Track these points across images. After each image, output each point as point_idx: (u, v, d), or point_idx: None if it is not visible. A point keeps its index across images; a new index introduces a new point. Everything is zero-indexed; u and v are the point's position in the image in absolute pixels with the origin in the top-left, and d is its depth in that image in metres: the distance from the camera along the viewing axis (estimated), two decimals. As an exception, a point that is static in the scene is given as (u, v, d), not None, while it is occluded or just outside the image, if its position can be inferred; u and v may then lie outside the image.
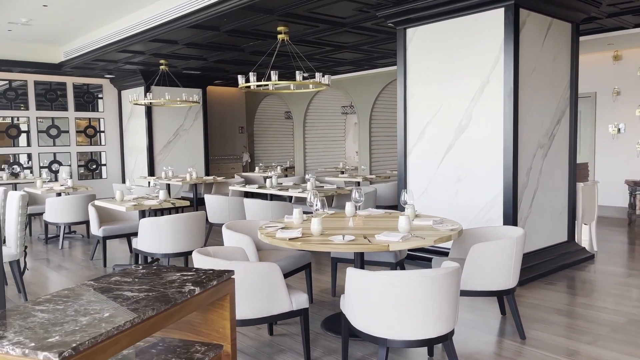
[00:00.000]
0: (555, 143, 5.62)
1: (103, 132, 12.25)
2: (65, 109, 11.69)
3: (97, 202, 5.91)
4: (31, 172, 11.09)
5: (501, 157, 5.11)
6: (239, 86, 6.67)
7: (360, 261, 3.74)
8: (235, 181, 9.49)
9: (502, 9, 4.99)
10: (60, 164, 11.67)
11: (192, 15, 6.27)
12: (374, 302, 2.74)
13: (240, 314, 3.05)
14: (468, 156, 5.39)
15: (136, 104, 9.34)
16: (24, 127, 11.21)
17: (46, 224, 7.54)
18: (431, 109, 5.71)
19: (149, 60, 9.41)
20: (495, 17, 5.06)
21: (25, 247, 4.83)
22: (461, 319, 4.04)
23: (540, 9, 5.19)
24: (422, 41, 5.74)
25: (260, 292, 3.05)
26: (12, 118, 11.07)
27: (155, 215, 6.44)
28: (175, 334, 2.05)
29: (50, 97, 11.50)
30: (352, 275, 2.83)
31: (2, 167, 10.87)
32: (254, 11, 5.91)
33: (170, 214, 5.81)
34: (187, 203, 5.77)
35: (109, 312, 1.50)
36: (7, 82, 10.93)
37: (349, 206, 4.20)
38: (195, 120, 11.98)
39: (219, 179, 9.35)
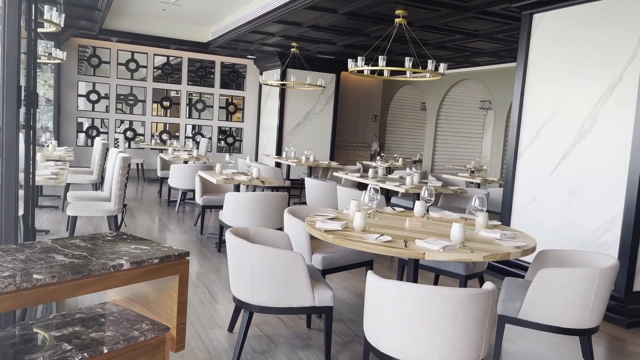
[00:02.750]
0: None
1: (242, 109, 13.01)
2: (212, 85, 12.64)
3: (200, 173, 6.25)
4: (176, 140, 12.23)
5: (626, 171, 4.24)
6: (349, 70, 6.50)
7: (415, 268, 3.36)
8: (351, 168, 9.38)
9: (649, -9, 4.08)
10: (202, 135, 12.69)
11: (306, -5, 6.24)
12: (384, 314, 2.42)
13: (257, 300, 2.94)
14: (587, 166, 4.57)
15: (264, 84, 9.70)
16: (176, 100, 12.40)
17: (169, 188, 8.24)
18: (550, 108, 4.95)
19: (283, 42, 9.68)
20: (638, 2, 4.16)
21: (125, 205, 5.28)
22: (532, 354, 3.46)
23: None
24: (548, 29, 4.99)
25: (278, 281, 2.90)
26: (167, 90, 12.29)
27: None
28: (135, 307, 2.00)
29: (200, 74, 12.51)
30: (369, 281, 2.54)
31: (153, 134, 12.19)
32: (363, -8, 5.68)
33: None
34: (277, 182, 5.81)
35: (9, 272, 1.48)
36: (166, 57, 12.14)
37: (418, 205, 3.82)
38: (326, 105, 12.09)
39: (334, 164, 9.33)
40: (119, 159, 5.02)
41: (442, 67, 6.29)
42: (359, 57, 6.26)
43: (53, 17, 4.76)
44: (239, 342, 2.96)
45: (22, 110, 3.08)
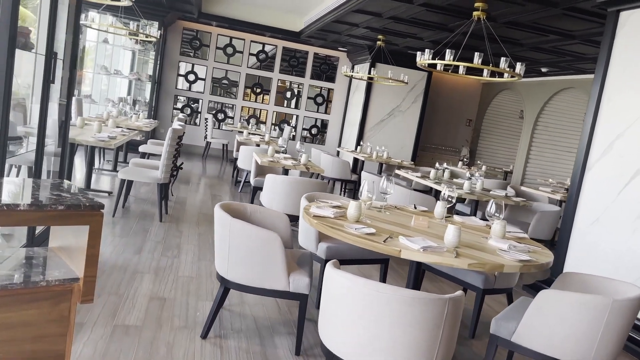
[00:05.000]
0: None
1: (330, 102, 13.02)
2: (302, 75, 12.80)
3: (254, 154, 6.32)
4: (260, 127, 12.56)
5: None
6: (417, 63, 6.19)
7: (416, 269, 3.10)
8: (425, 170, 8.99)
9: None
10: (288, 123, 12.90)
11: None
12: (330, 308, 2.24)
13: (232, 276, 2.88)
14: (660, 187, 3.93)
15: (346, 75, 9.60)
16: (266, 87, 12.73)
17: (238, 169, 8.48)
18: (628, 118, 4.32)
19: (369, 34, 9.50)
20: None
21: (173, 175, 5.49)
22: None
23: None
24: (635, 29, 4.34)
25: (253, 260, 2.81)
26: (259, 77, 12.65)
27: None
28: (63, 256, 2.03)
29: (293, 63, 12.72)
30: (326, 272, 2.36)
31: (241, 119, 12.63)
32: (433, -20, 5.34)
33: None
34: (323, 171, 5.70)
35: None
36: (262, 44, 12.49)
37: (439, 206, 3.53)
38: (414, 103, 11.70)
39: (406, 163, 9.01)
40: (170, 131, 5.22)
41: (519, 67, 5.74)
42: (426, 50, 5.93)
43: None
44: (210, 316, 2.93)
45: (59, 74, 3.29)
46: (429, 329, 2.04)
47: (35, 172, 3.10)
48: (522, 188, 8.06)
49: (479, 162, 11.13)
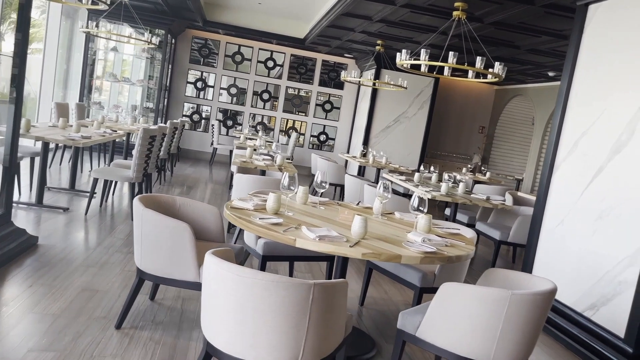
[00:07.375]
0: None
1: (338, 108, 13.00)
2: (310, 82, 12.84)
3: (235, 152, 6.35)
4: (268, 133, 12.63)
5: (660, 196, 3.38)
6: (397, 63, 6.11)
7: (342, 265, 3.03)
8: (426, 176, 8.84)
9: None
10: (295, 130, 12.94)
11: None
12: (206, 295, 2.21)
13: (145, 266, 2.89)
14: (620, 185, 3.74)
15: (345, 80, 9.57)
16: (275, 94, 12.82)
17: (232, 174, 8.53)
18: (592, 114, 4.14)
19: (368, 40, 9.46)
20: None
21: (144, 175, 5.56)
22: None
23: None
24: (601, 22, 4.18)
25: (163, 250, 2.81)
26: (267, 84, 12.75)
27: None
28: None
29: (301, 71, 12.78)
30: (206, 259, 2.33)
31: (249, 124, 12.74)
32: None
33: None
34: (296, 171, 5.67)
35: None
36: (270, 52, 12.60)
37: (376, 202, 3.47)
38: (420, 109, 11.57)
39: (403, 168, 8.88)
40: (141, 130, 5.31)
41: (498, 67, 5.59)
42: (403, 50, 5.86)
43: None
44: (124, 307, 2.93)
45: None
46: (291, 315, 1.99)
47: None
48: (520, 194, 7.81)
49: (483, 167, 10.86)
